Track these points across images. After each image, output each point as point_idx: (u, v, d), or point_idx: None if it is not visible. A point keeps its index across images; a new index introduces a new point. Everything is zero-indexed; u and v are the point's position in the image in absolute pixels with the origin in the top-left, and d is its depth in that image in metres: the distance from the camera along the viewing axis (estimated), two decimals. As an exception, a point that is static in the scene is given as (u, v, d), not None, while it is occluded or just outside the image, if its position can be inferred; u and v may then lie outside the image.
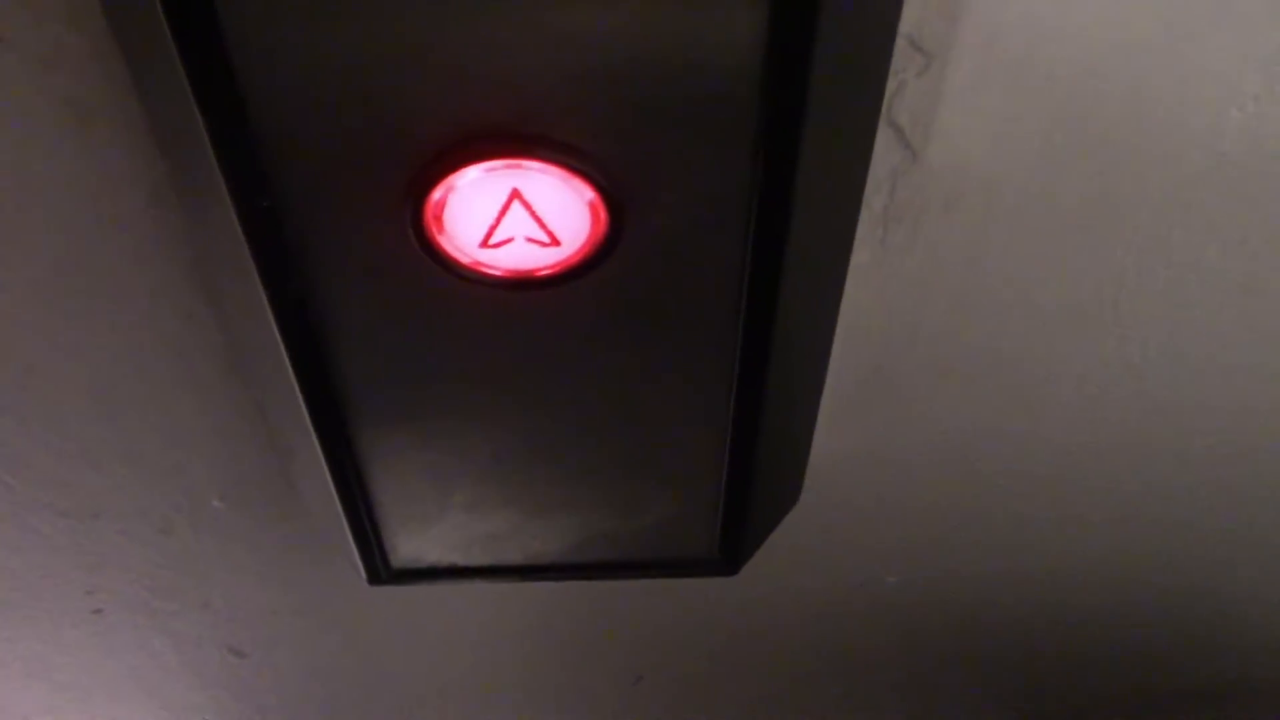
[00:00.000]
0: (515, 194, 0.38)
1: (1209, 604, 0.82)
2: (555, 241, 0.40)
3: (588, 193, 0.38)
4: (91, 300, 0.52)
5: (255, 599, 0.74)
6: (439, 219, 0.39)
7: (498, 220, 0.39)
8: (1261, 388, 0.60)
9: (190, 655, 0.80)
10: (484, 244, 0.40)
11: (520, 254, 0.40)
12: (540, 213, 0.39)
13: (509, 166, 0.37)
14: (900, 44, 0.42)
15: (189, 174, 0.45)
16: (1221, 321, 0.55)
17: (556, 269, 0.41)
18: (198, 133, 0.37)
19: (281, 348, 0.45)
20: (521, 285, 0.41)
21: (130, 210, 0.47)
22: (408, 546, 0.57)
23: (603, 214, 0.39)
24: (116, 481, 0.62)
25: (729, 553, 0.57)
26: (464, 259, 0.40)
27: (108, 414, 0.57)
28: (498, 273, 0.41)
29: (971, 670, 0.90)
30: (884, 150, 0.47)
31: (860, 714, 0.96)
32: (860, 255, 0.51)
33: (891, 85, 0.44)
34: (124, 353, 0.54)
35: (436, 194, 0.38)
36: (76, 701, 0.86)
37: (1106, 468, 0.66)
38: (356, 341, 0.45)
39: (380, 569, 0.57)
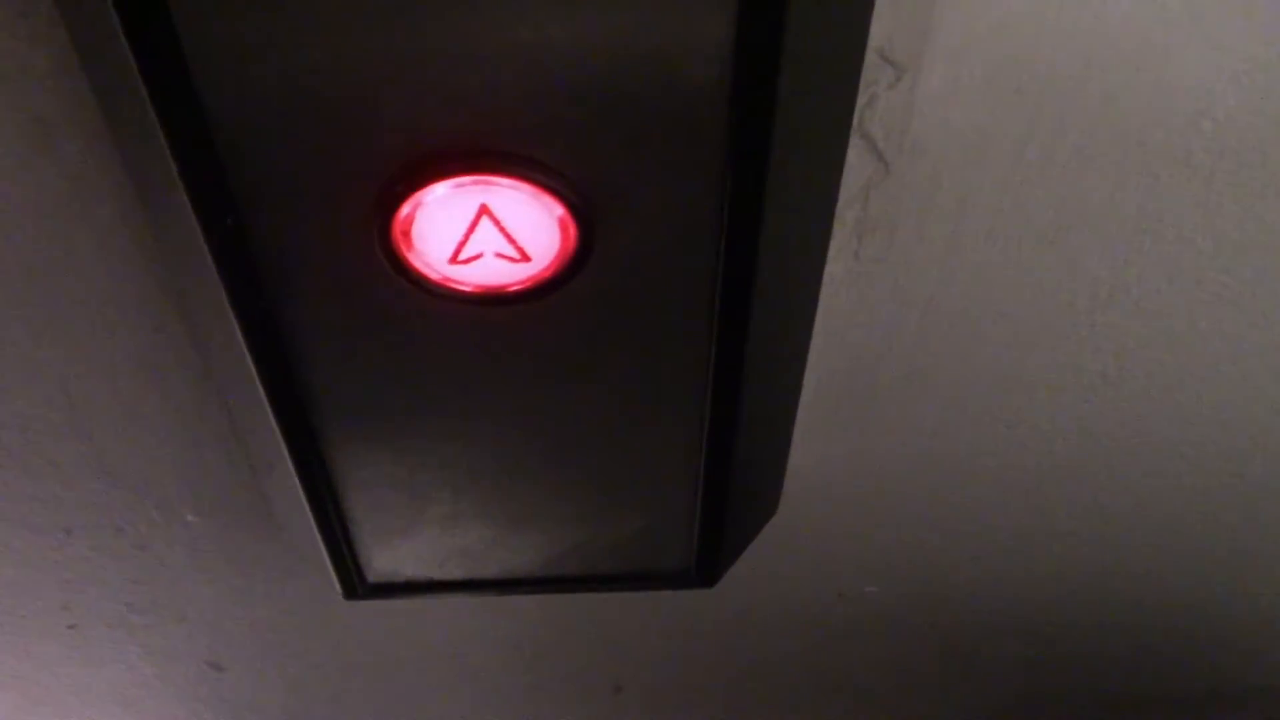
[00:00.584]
0: (484, 210, 0.38)
1: (1186, 612, 0.82)
2: (525, 257, 0.39)
3: (557, 208, 0.38)
4: (61, 314, 0.51)
5: (232, 613, 0.74)
6: (407, 235, 0.39)
7: (466, 236, 0.39)
8: (1236, 397, 0.60)
9: (167, 669, 0.80)
10: (453, 260, 0.39)
11: (490, 270, 0.40)
12: (509, 228, 0.38)
13: (477, 182, 0.37)
14: (871, 57, 0.42)
15: (155, 189, 0.44)
16: (1195, 332, 0.55)
17: (527, 284, 0.40)
18: (162, 150, 0.37)
19: (250, 363, 0.44)
20: (492, 301, 0.41)
21: (98, 225, 0.47)
22: (383, 561, 0.56)
23: (572, 229, 0.39)
24: (89, 497, 0.61)
25: (706, 565, 0.57)
26: (433, 275, 0.40)
27: (79, 429, 0.57)
28: (468, 289, 0.41)
29: (950, 679, 0.90)
30: (857, 162, 0.47)
31: (841, 723, 0.96)
32: (835, 267, 0.51)
33: (863, 98, 0.44)
34: (94, 366, 0.54)
35: (404, 210, 0.38)
36: (53, 716, 0.85)
37: (1081, 477, 0.66)
38: (327, 357, 0.45)
39: (356, 584, 0.57)
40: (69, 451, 0.59)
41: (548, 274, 0.40)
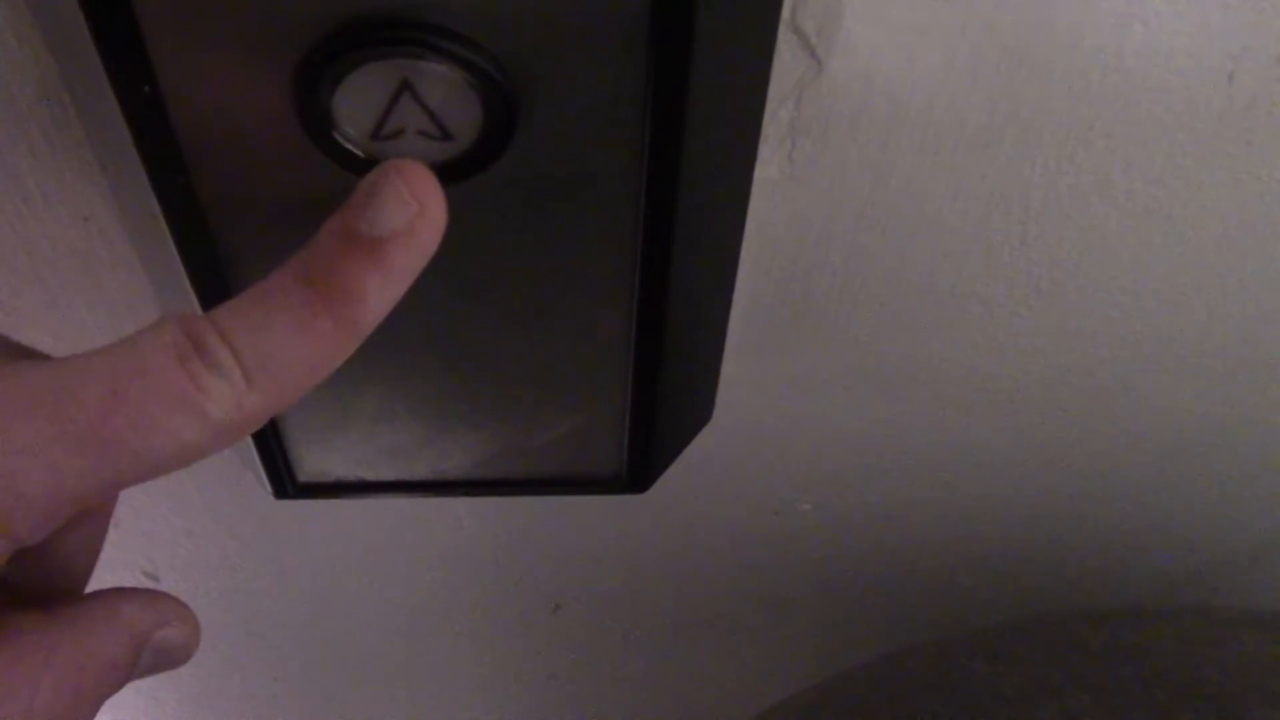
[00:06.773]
0: (405, 84, 0.37)
1: (1114, 532, 0.83)
2: (447, 135, 0.39)
3: (479, 85, 0.37)
4: (-16, 203, 0.50)
5: (166, 519, 0.73)
6: (328, 109, 0.38)
7: (388, 111, 0.38)
8: (1167, 313, 0.61)
9: (103, 578, 0.79)
10: (374, 135, 0.39)
11: (412, 147, 0.39)
12: (431, 104, 0.38)
13: (398, 55, 0.37)
14: (803, -54, 0.42)
15: (77, 67, 0.43)
16: (1126, 246, 0.56)
17: (450, 163, 0.40)
18: (78, 21, 0.36)
19: (173, 247, 0.44)
20: (414, 180, 0.41)
21: (19, 107, 0.46)
22: (313, 460, 0.56)
23: (495, 108, 0.38)
24: (17, 393, 0.61)
25: (637, 470, 0.57)
26: (357, 151, 0.40)
27: (4, 323, 0.56)
28: (390, 166, 0.40)
29: (885, 596, 0.91)
30: (790, 59, 0.46)
31: (776, 638, 0.97)
32: (768, 170, 0.51)
33: (795, -10, 0.44)
34: (20, 258, 0.53)
35: (325, 82, 0.37)
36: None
37: (1018, 393, 0.67)
38: (251, 240, 0.44)
39: (286, 482, 0.57)
40: (-4, 347, 0.58)
41: (470, 153, 0.40)
